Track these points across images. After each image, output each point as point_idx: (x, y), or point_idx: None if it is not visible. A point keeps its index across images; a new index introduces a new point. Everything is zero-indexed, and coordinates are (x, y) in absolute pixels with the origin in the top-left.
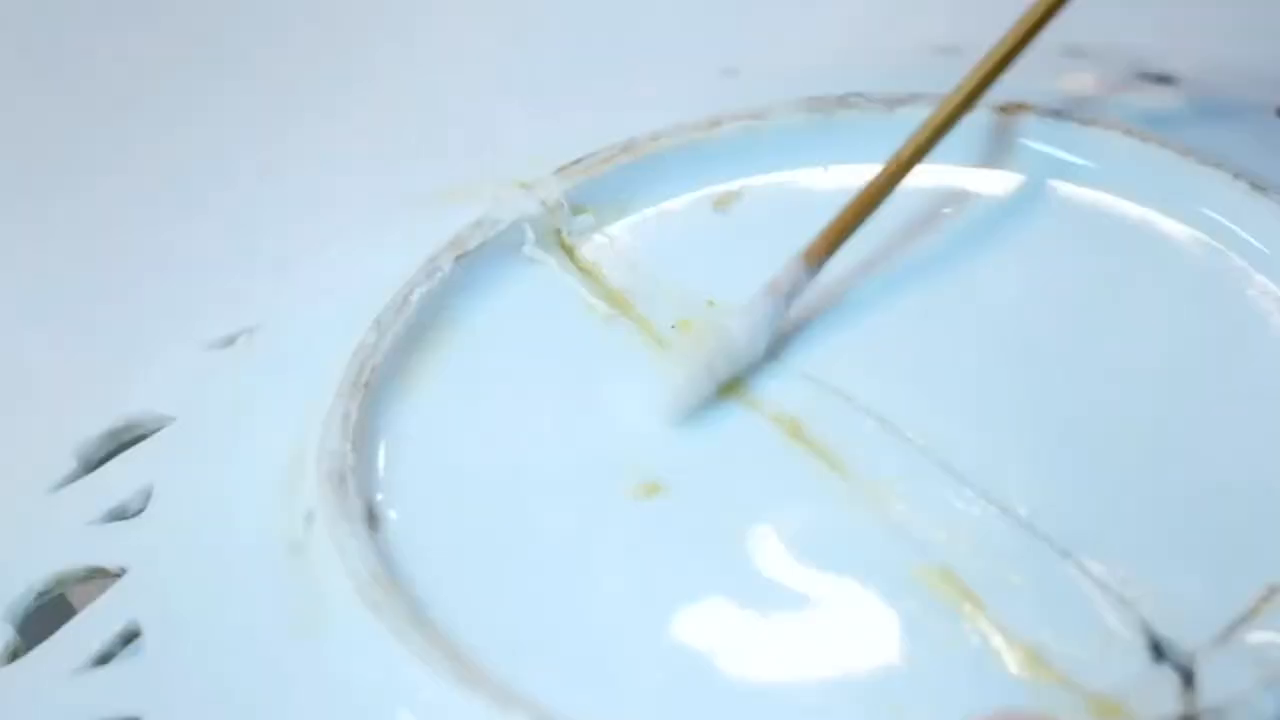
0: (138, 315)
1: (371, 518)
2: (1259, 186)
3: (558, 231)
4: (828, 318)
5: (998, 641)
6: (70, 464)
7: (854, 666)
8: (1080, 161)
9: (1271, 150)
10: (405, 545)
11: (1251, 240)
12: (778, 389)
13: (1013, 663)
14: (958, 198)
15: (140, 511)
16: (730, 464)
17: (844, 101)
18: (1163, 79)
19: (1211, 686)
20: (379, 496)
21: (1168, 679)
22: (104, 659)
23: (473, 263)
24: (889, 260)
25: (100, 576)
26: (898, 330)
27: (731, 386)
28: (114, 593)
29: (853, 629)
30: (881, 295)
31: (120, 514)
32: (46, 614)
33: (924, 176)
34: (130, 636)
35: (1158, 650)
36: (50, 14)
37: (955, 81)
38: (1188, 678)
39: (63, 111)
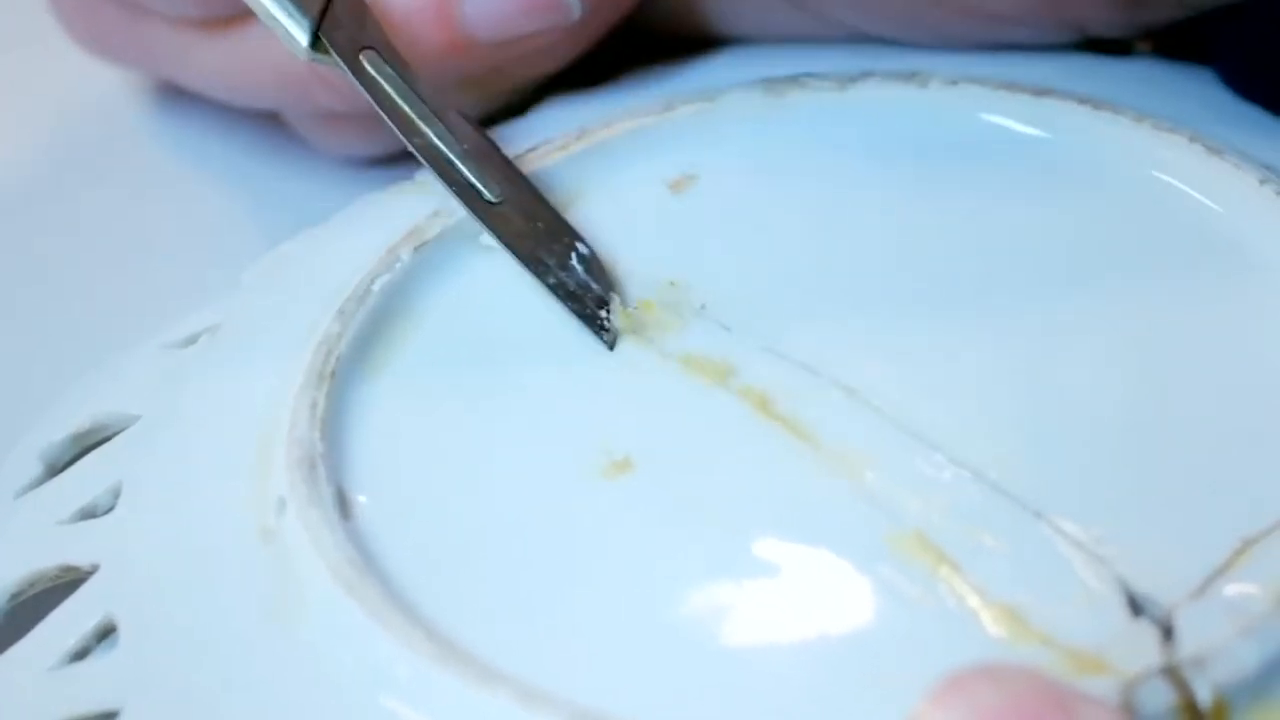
0: (97, 319)
1: (342, 503)
2: (1215, 149)
3: None
4: (787, 295)
5: (974, 603)
6: (36, 468)
7: (833, 634)
8: (1035, 133)
9: (1219, 116)
10: (377, 529)
11: (1207, 202)
12: (743, 364)
13: (990, 623)
14: (913, 172)
15: (110, 509)
16: (699, 439)
17: (796, 82)
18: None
19: (1191, 638)
20: (348, 482)
21: (1147, 633)
22: (80, 655)
23: (432, 252)
24: (845, 234)
25: (72, 575)
26: (858, 302)
27: (698, 364)
28: (87, 589)
29: (830, 597)
30: (840, 269)
31: (90, 513)
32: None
33: (881, 151)
34: (105, 632)
35: (1135, 605)
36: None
37: (905, 60)
38: (1167, 631)
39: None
